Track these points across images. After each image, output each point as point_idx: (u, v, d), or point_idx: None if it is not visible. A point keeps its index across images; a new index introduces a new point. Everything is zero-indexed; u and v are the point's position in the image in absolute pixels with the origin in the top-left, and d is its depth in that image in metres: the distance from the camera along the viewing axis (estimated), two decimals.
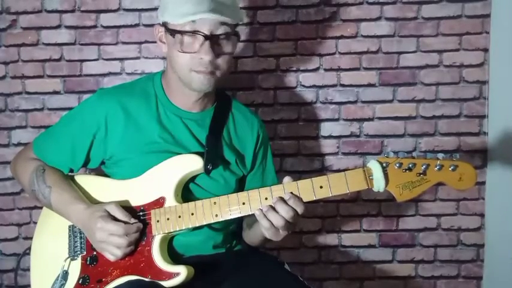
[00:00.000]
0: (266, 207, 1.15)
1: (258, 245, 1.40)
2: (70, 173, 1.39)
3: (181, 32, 1.20)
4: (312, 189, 1.16)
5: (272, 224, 1.15)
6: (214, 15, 1.17)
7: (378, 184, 1.13)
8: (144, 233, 1.25)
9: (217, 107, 1.37)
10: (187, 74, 1.24)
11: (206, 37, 1.19)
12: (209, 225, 1.30)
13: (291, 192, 1.16)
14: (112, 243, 1.20)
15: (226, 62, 1.25)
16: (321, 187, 1.16)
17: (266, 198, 1.18)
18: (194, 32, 1.19)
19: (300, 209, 1.15)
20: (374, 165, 1.13)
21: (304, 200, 1.16)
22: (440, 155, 1.12)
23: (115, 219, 1.21)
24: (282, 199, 1.15)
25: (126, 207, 1.26)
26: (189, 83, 1.26)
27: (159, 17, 1.27)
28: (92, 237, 1.24)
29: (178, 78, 1.27)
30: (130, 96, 1.32)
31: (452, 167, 1.11)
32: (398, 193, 1.13)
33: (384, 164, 1.13)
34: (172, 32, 1.22)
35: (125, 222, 1.21)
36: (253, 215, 1.24)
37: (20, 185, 1.43)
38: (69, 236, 1.32)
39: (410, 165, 1.12)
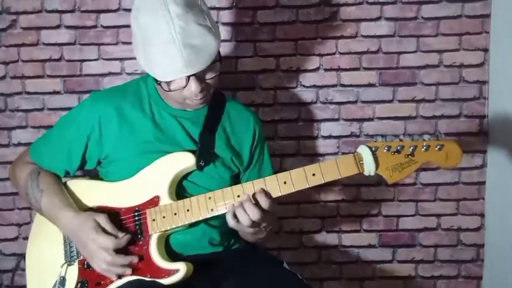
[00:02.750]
0: (238, 203, 1.18)
1: (251, 241, 1.41)
2: (66, 177, 1.39)
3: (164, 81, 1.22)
4: (305, 177, 1.19)
5: (239, 220, 1.18)
6: (193, 69, 1.16)
7: (369, 168, 1.16)
8: (141, 232, 1.25)
9: (211, 105, 1.38)
10: (181, 102, 1.28)
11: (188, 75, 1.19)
12: (205, 222, 1.31)
13: (262, 189, 1.19)
14: (99, 256, 1.22)
15: (214, 80, 1.26)
16: (314, 175, 1.18)
17: None
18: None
19: (265, 205, 1.17)
20: (364, 150, 1.17)
21: (297, 188, 1.19)
22: (426, 136, 1.17)
23: (105, 231, 1.23)
24: (249, 199, 1.18)
25: (120, 208, 1.28)
26: (185, 107, 1.32)
27: (136, 56, 1.25)
28: (82, 246, 1.25)
29: None
30: (124, 97, 1.34)
31: (438, 147, 1.15)
32: (389, 175, 1.17)
33: (373, 148, 1.17)
34: (155, 79, 1.24)
35: (115, 236, 1.23)
36: None
37: (17, 189, 1.44)
38: (64, 242, 1.32)
39: (398, 148, 1.16)
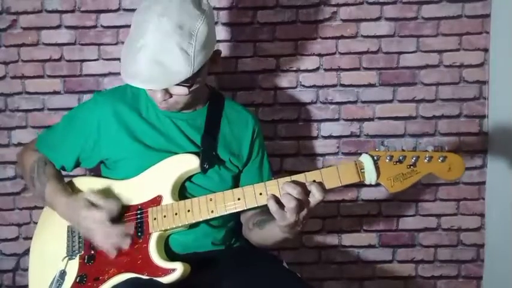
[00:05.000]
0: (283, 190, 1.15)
1: (268, 246, 1.39)
2: (63, 171, 1.41)
3: None
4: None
5: (281, 205, 1.14)
6: (150, 85, 1.18)
7: (370, 177, 1.16)
8: (141, 231, 1.26)
9: (210, 107, 1.38)
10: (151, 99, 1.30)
11: None
12: (207, 222, 1.31)
13: (314, 180, 1.16)
14: (96, 231, 1.23)
15: (183, 98, 1.25)
16: (315, 181, 1.17)
17: (260, 194, 1.20)
18: None
19: (319, 195, 1.13)
20: (365, 159, 1.16)
21: None
22: (429, 147, 1.16)
23: (97, 206, 1.24)
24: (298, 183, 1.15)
25: (123, 205, 1.29)
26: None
27: None
28: (79, 227, 1.28)
29: None
30: (123, 100, 1.35)
31: (441, 158, 1.14)
32: (390, 185, 1.16)
33: (375, 157, 1.16)
34: None
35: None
36: (262, 213, 1.30)
37: (22, 171, 1.45)
38: (68, 236, 1.33)
39: (400, 158, 1.15)
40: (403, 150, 1.16)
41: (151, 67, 1.14)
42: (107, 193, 1.32)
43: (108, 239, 1.23)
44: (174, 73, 1.16)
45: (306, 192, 1.14)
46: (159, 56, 1.14)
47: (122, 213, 1.29)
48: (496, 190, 1.89)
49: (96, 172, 1.45)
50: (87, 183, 1.38)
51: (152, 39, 1.14)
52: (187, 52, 1.15)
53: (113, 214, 1.23)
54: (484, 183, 1.93)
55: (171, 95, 1.23)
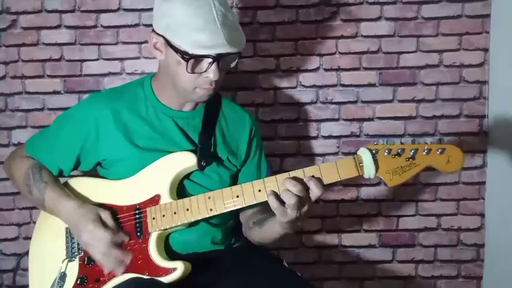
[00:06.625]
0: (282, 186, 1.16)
1: (268, 243, 1.39)
2: (60, 176, 1.39)
3: (192, 56, 1.20)
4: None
5: (281, 201, 1.15)
6: (232, 48, 1.19)
7: (368, 171, 1.15)
8: (140, 230, 1.26)
9: (207, 106, 1.39)
10: (190, 90, 1.27)
11: (215, 59, 1.20)
12: (207, 221, 1.31)
13: (313, 176, 1.16)
14: (94, 247, 1.23)
15: (224, 76, 1.28)
16: (313, 176, 1.17)
17: (259, 190, 1.20)
18: (205, 56, 1.20)
19: (317, 191, 1.14)
20: (364, 153, 1.16)
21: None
22: (428, 140, 1.15)
23: (104, 225, 1.24)
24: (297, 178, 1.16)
25: (121, 205, 1.29)
26: (189, 96, 1.30)
27: (159, 29, 1.24)
28: (78, 237, 1.27)
29: (174, 86, 1.29)
30: (121, 99, 1.35)
31: (440, 150, 1.13)
32: (389, 178, 1.15)
33: (374, 151, 1.15)
34: (183, 55, 1.20)
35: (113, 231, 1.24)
36: (261, 211, 1.30)
37: (13, 180, 1.43)
38: (67, 238, 1.33)
39: (399, 151, 1.14)
40: (401, 143, 1.16)
41: (227, 32, 1.18)
42: (104, 193, 1.32)
43: (105, 258, 1.23)
44: (242, 34, 1.25)
45: (306, 189, 1.15)
46: (226, 22, 1.19)
47: (120, 214, 1.29)
48: (496, 190, 1.89)
49: (92, 173, 1.44)
50: (83, 184, 1.37)
51: (214, 12, 1.18)
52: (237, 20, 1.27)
53: (117, 239, 1.24)
54: (484, 183, 1.93)
55: (221, 72, 1.24)
